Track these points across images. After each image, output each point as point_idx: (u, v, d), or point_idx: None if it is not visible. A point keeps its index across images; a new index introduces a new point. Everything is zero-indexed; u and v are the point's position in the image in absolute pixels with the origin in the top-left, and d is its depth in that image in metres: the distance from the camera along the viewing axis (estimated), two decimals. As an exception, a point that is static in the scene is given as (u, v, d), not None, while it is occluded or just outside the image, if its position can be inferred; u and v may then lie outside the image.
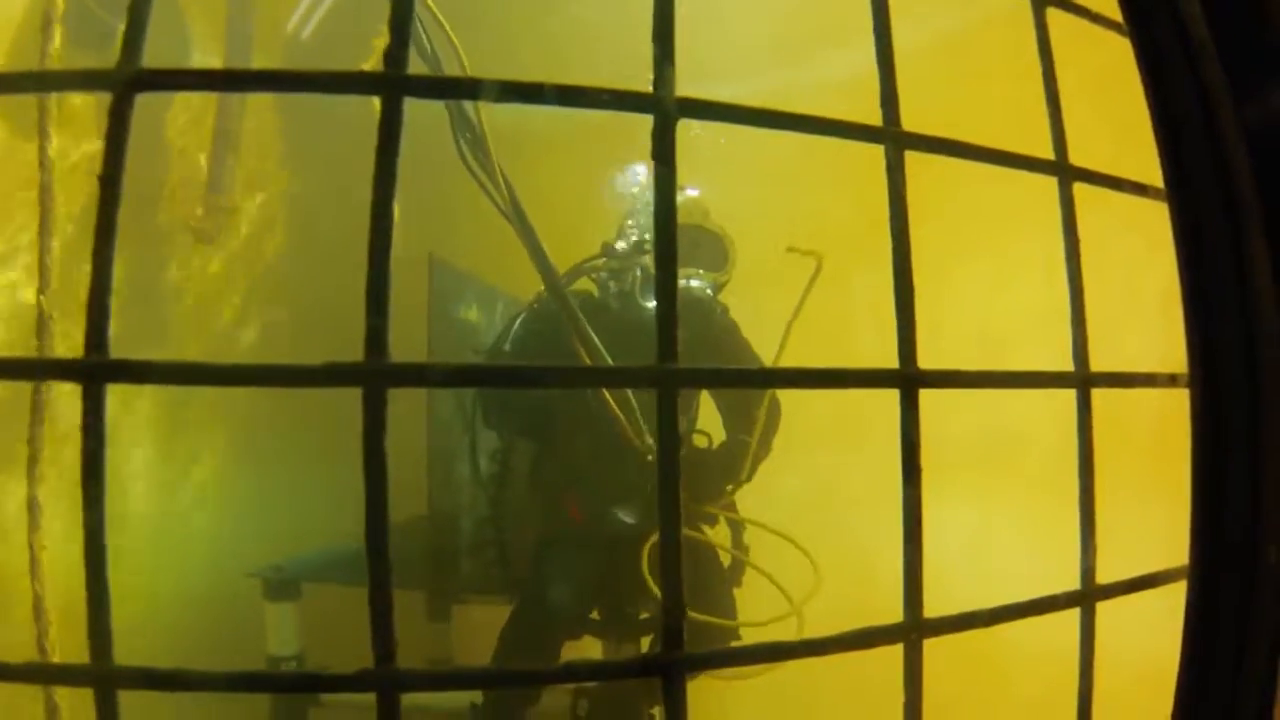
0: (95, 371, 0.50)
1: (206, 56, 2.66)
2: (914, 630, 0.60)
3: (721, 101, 0.59)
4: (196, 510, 2.84)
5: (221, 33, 2.67)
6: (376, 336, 0.49)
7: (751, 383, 0.51)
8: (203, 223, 2.74)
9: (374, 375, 0.48)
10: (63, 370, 0.52)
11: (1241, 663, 0.64)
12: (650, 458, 2.20)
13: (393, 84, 0.53)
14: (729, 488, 2.35)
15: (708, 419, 2.48)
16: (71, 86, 0.58)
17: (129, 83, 0.52)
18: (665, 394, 0.54)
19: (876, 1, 0.66)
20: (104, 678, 0.47)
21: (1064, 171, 0.70)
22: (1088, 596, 0.67)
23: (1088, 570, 0.68)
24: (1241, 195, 0.66)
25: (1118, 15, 0.74)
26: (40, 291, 1.12)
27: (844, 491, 2.92)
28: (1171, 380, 0.67)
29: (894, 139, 0.63)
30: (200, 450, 2.88)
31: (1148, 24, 0.70)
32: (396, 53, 0.55)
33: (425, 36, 1.70)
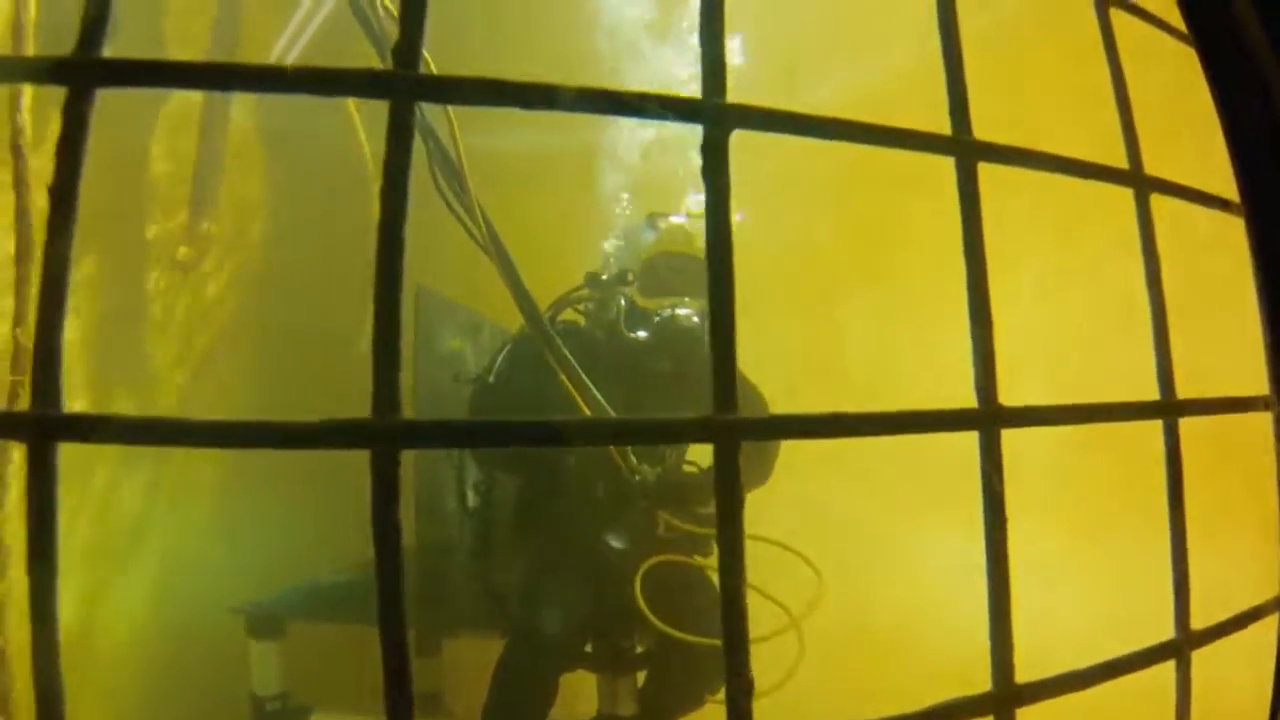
0: (42, 426, 0.40)
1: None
2: (1006, 699, 0.51)
3: (779, 110, 0.50)
4: (181, 544, 2.69)
5: (202, 58, 2.57)
6: (387, 389, 0.40)
7: (820, 432, 0.43)
8: (184, 248, 2.62)
9: (385, 435, 0.38)
10: (7, 425, 0.42)
11: None
12: (637, 478, 2.11)
13: (403, 85, 0.44)
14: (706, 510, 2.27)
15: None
16: (20, 78, 0.48)
17: (89, 75, 0.43)
18: (723, 448, 0.45)
19: (943, 6, 0.58)
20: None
21: (1141, 183, 0.62)
22: (1182, 646, 0.59)
23: (1182, 616, 0.59)
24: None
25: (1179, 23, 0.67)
26: (16, 325, 1.01)
27: (841, 512, 2.84)
28: (1266, 404, 0.59)
29: (965, 149, 0.54)
30: (185, 483, 2.74)
31: (1215, 51, 0.63)
32: (409, 50, 0.46)
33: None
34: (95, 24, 0.44)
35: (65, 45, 0.45)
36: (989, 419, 0.52)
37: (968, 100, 0.55)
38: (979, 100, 0.56)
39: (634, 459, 2.15)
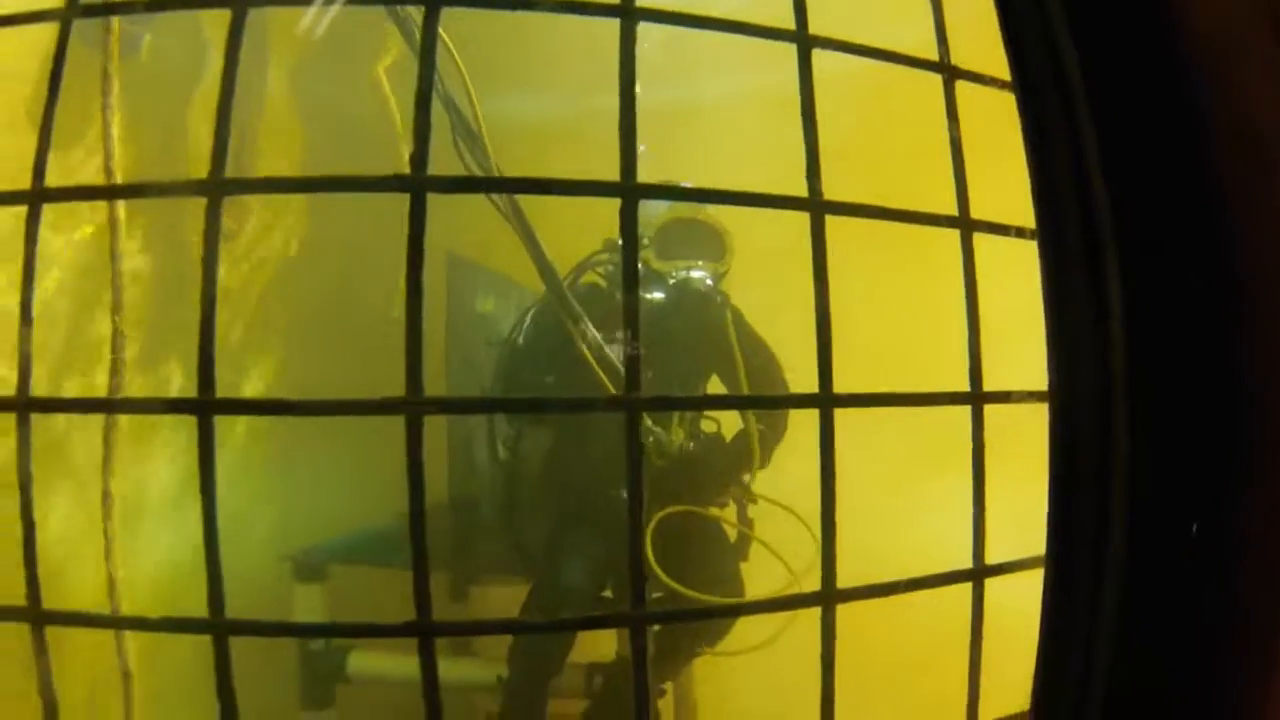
0: (206, 407, 0.71)
1: (222, 58, 2.87)
2: (829, 597, 0.81)
3: (675, 185, 0.79)
4: (230, 493, 3.09)
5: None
6: (414, 376, 0.71)
7: (705, 405, 0.67)
8: (224, 220, 2.97)
9: (414, 406, 0.69)
10: (177, 407, 0.74)
11: (1092, 639, 0.83)
12: (651, 438, 2.42)
13: (418, 183, 0.74)
14: (745, 476, 2.57)
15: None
16: (170, 193, 0.78)
17: (220, 188, 0.74)
18: (632, 418, 0.74)
19: (804, 89, 0.85)
20: (221, 626, 0.69)
21: (965, 225, 0.89)
22: (978, 574, 0.88)
23: (978, 550, 0.89)
24: (1102, 238, 0.85)
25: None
26: (114, 313, 1.34)
27: (846, 472, 3.12)
28: (1041, 397, 0.87)
29: (816, 206, 0.82)
30: (233, 434, 3.13)
31: (1033, 95, 0.89)
32: (420, 156, 0.75)
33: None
34: (221, 148, 0.75)
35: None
36: (825, 401, 0.81)
37: (819, 162, 0.83)
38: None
39: (648, 420, 2.44)
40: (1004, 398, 0.88)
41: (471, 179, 0.72)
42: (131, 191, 0.79)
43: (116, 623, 0.73)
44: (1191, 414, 0.83)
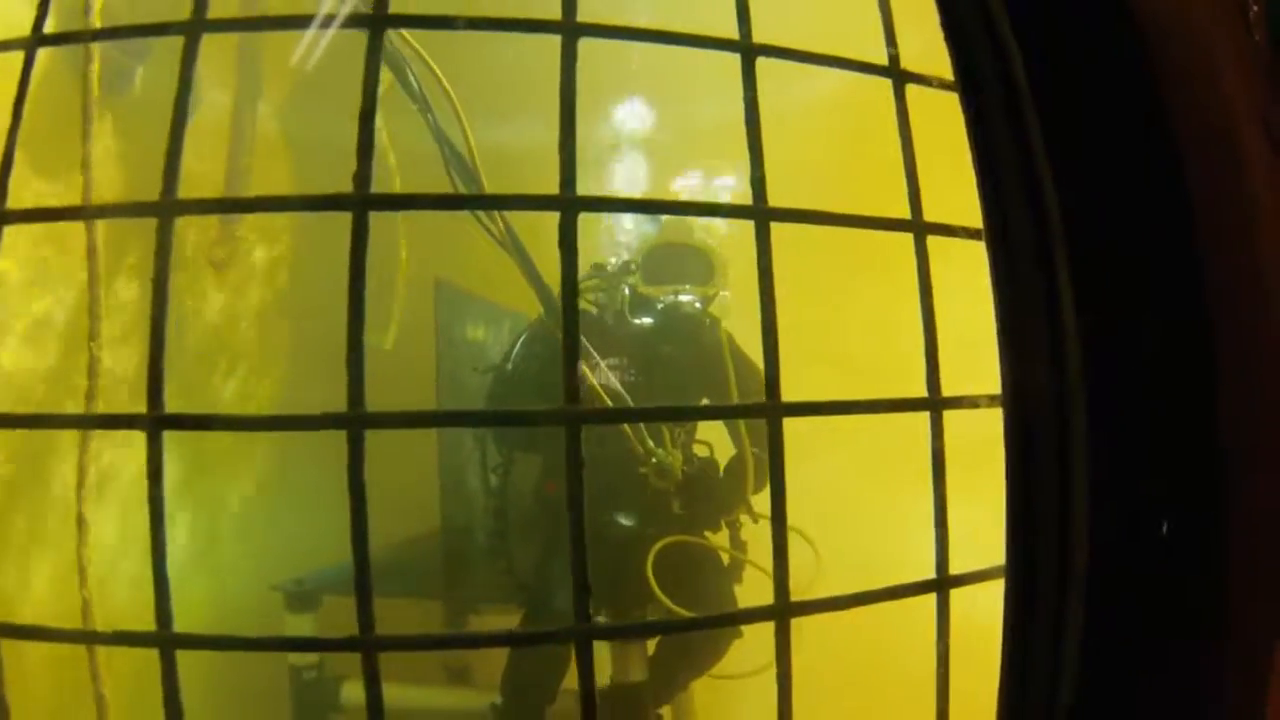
0: (154, 422, 0.72)
1: (215, 92, 2.92)
2: (783, 611, 0.81)
3: (617, 197, 0.80)
4: (223, 526, 3.10)
5: (231, 69, 2.93)
6: (356, 391, 0.72)
7: (652, 417, 0.68)
8: (216, 250, 3.01)
9: (354, 421, 0.70)
10: (128, 422, 0.75)
11: (1059, 650, 0.82)
12: (654, 460, 2.41)
13: (360, 202, 0.75)
14: (741, 501, 2.56)
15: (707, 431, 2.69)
16: (122, 215, 0.80)
17: (169, 209, 0.75)
18: (571, 431, 0.75)
19: (748, 98, 0.86)
20: (166, 640, 0.70)
21: (918, 228, 0.90)
22: (942, 584, 0.87)
23: (941, 561, 0.88)
24: (1053, 240, 0.85)
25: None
26: (91, 339, 1.36)
27: (842, 491, 3.11)
28: (992, 401, 0.87)
29: (762, 215, 0.83)
30: (226, 468, 3.14)
31: (976, 93, 0.89)
32: (362, 174, 0.77)
33: (413, 76, 1.92)
34: (171, 170, 0.76)
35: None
36: (773, 410, 0.82)
37: (763, 169, 0.84)
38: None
39: (650, 443, 2.44)
40: (959, 402, 0.88)
41: (412, 196, 0.74)
42: (75, 214, 0.81)
43: (68, 636, 0.73)
44: (1153, 410, 0.82)
